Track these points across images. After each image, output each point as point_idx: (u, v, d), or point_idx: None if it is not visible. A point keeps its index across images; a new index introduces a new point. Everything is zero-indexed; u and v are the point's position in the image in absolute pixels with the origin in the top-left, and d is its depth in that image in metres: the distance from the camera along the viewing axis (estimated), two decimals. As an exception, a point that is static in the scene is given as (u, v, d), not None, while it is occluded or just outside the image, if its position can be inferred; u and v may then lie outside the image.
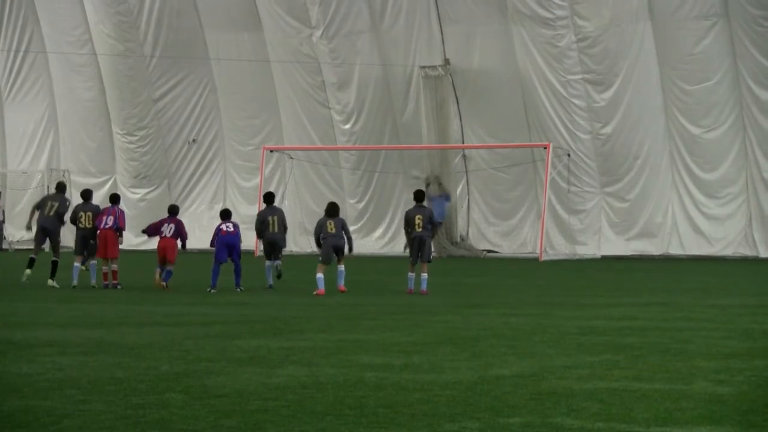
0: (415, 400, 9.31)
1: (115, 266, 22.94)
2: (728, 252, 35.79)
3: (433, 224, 21.76)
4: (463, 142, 38.68)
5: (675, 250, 36.51)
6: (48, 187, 42.42)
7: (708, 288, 24.06)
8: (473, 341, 13.48)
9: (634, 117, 36.13)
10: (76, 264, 23.51)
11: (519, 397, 9.46)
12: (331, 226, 21.84)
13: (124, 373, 10.76)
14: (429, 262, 21.47)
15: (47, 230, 23.55)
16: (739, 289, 23.44)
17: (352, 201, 40.07)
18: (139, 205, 42.23)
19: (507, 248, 37.90)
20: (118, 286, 22.64)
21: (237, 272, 22.44)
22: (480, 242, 38.61)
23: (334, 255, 21.80)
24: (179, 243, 22.98)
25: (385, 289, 23.64)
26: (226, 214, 23.56)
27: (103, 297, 20.86)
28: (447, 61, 38.01)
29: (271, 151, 39.70)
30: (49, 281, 23.11)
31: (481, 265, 32.99)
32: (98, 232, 22.92)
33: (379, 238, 39.77)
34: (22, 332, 14.35)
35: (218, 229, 22.82)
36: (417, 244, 21.27)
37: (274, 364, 11.36)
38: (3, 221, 43.24)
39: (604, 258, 36.24)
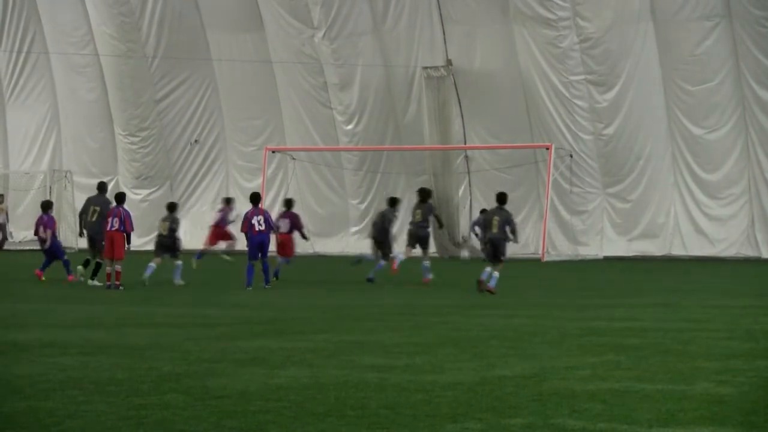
0: (416, 401, 9.30)
1: (118, 267, 22.98)
2: (730, 253, 35.76)
3: (511, 227, 22.25)
4: (465, 143, 38.66)
5: (677, 251, 36.49)
6: (50, 188, 42.44)
7: (710, 289, 24.04)
8: (475, 342, 13.47)
9: (636, 118, 36.13)
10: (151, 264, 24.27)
11: (521, 397, 9.45)
12: (417, 215, 23.12)
13: (125, 373, 10.76)
14: (500, 262, 21.99)
15: (91, 236, 24.09)
16: (741, 290, 23.42)
17: (354, 202, 40.08)
18: (142, 206, 42.21)
19: (509, 249, 37.81)
20: (120, 287, 22.66)
21: (265, 270, 22.86)
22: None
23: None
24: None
25: (387, 289, 23.62)
26: (255, 199, 23.80)
27: (104, 298, 20.86)
28: (449, 62, 38.00)
29: (273, 152, 39.71)
30: (90, 281, 23.83)
31: (483, 266, 32.87)
32: (104, 233, 23.13)
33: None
34: (24, 333, 14.35)
35: (250, 224, 23.05)
36: (492, 245, 21.90)
37: (275, 365, 11.35)
38: (7, 222, 43.25)
39: (607, 259, 36.23)
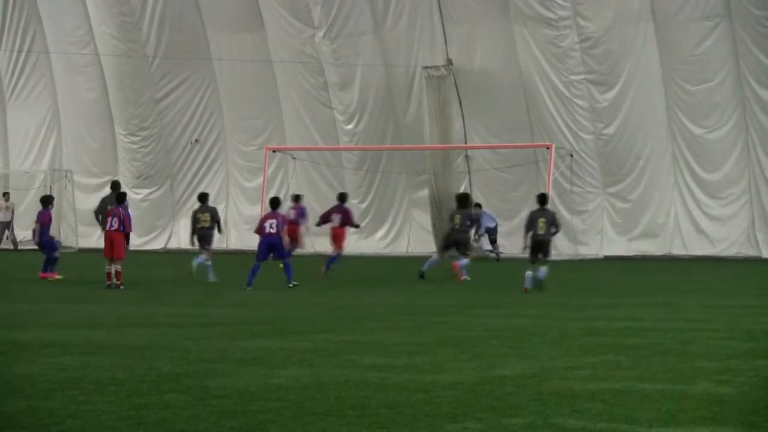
0: (417, 401, 9.31)
1: (118, 267, 22.99)
2: (731, 252, 35.75)
3: (557, 227, 22.80)
4: (465, 143, 38.64)
5: (677, 251, 36.48)
6: (50, 187, 42.43)
7: (710, 288, 24.04)
8: (475, 342, 13.48)
9: (637, 117, 36.11)
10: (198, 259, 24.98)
11: (521, 397, 9.45)
12: (457, 220, 25.24)
13: (125, 373, 10.76)
14: (546, 261, 22.46)
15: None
16: (741, 290, 23.42)
17: (354, 201, 40.01)
18: (142, 206, 42.23)
19: (509, 248, 37.85)
20: (121, 287, 22.67)
21: (287, 268, 23.13)
22: (483, 242, 38.59)
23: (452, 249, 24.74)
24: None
25: (387, 289, 23.62)
26: (274, 204, 24.01)
27: (104, 298, 20.87)
28: (449, 62, 37.97)
29: (274, 152, 39.67)
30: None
31: (484, 265, 32.95)
32: (104, 233, 23.17)
33: (381, 238, 39.80)
34: (24, 333, 14.35)
35: (262, 226, 23.18)
36: (537, 245, 22.29)
37: (275, 365, 11.36)
38: (12, 221, 43.23)
39: (607, 258, 36.22)
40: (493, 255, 36.87)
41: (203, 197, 26.74)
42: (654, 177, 36.45)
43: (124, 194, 24.71)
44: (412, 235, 37.89)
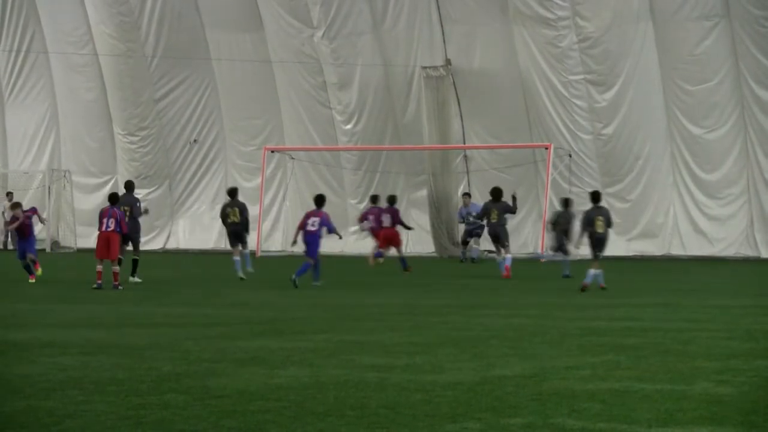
0: (416, 401, 9.31)
1: (116, 267, 22.97)
2: (730, 252, 35.76)
3: (610, 224, 23.24)
4: (464, 143, 38.66)
5: (676, 251, 36.49)
6: (49, 188, 42.43)
7: (709, 288, 24.06)
8: (475, 342, 13.49)
9: (636, 117, 36.11)
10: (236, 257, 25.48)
11: (520, 397, 9.46)
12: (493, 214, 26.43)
13: (125, 373, 10.76)
14: (599, 259, 22.77)
15: (124, 235, 24.00)
16: (740, 290, 23.44)
17: (353, 201, 40.07)
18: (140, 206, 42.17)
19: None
20: (119, 287, 22.65)
21: (315, 267, 23.69)
22: (481, 242, 38.59)
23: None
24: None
25: (386, 289, 23.63)
26: (319, 201, 24.64)
27: (103, 298, 20.86)
28: (448, 62, 37.99)
29: (273, 152, 39.68)
30: (131, 278, 24.22)
31: (483, 265, 32.98)
32: (98, 233, 23.05)
33: (380, 238, 39.82)
34: (24, 333, 14.35)
35: (305, 222, 24.05)
36: (598, 243, 22.68)
37: (275, 365, 11.36)
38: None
39: (606, 259, 36.15)
40: (490, 255, 36.67)
41: (233, 192, 26.88)
42: (653, 177, 36.46)
43: (117, 195, 24.47)
44: (410, 235, 37.84)
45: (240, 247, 25.86)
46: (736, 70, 34.97)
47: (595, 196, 23.47)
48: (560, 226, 26.88)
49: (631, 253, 36.43)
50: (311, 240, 23.88)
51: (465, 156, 39.02)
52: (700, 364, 11.49)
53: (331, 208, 40.72)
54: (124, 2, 41.20)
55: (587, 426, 8.33)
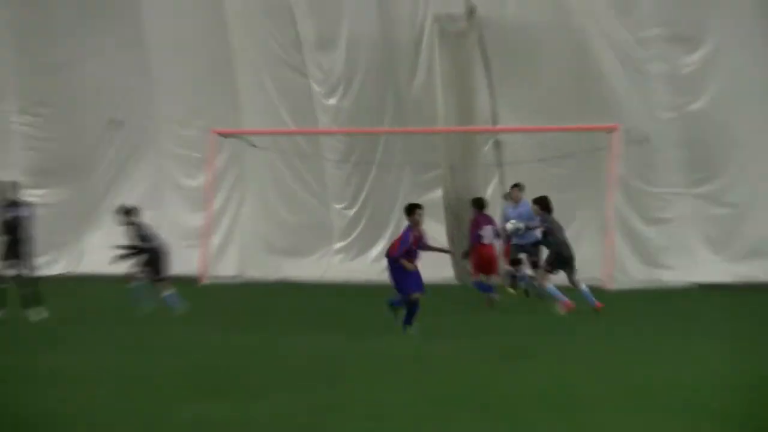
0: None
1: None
2: None
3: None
4: (494, 124, 38.73)
5: (796, 275, 36.59)
6: None
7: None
8: (505, 405, 13.52)
9: (734, 89, 36.19)
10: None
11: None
12: None
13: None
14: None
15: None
16: None
17: (338, 206, 40.15)
18: (40, 212, 42.18)
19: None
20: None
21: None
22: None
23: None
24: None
25: (383, 329, 23.69)
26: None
27: None
28: (472, 9, 38.05)
29: (224, 136, 39.71)
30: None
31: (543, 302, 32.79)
32: None
33: (376, 259, 39.58)
34: None
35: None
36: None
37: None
38: None
39: (700, 286, 36.20)
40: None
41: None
42: (761, 172, 36.52)
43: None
44: (425, 256, 37.90)
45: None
46: None
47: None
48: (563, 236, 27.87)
49: (733, 279, 36.42)
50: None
51: (496, 142, 39.10)
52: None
53: (307, 216, 41.02)
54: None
55: None
